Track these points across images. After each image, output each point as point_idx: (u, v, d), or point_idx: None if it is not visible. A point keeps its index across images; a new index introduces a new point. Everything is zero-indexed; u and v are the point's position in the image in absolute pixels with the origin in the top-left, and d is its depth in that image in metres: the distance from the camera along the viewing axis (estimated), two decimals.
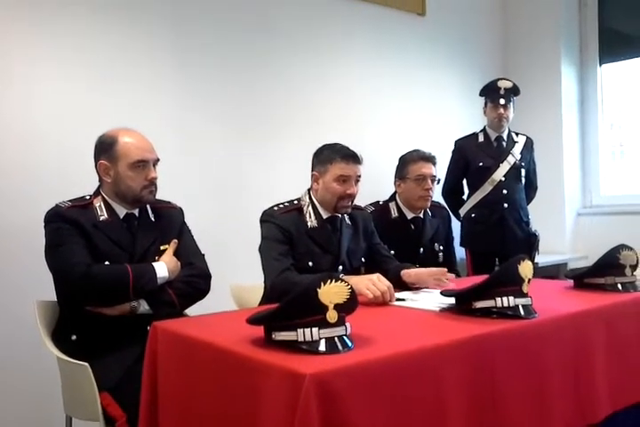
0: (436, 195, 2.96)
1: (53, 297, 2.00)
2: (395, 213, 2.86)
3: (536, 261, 3.46)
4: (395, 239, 2.70)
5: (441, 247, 2.95)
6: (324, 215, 2.31)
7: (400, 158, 2.94)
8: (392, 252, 2.55)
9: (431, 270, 2.23)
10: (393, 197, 2.93)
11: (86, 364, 1.72)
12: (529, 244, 3.41)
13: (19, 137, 2.47)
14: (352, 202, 2.32)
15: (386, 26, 3.79)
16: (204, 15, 3.00)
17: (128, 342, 1.84)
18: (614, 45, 4.29)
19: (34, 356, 2.30)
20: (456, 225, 3.49)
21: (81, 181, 2.17)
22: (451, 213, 3.25)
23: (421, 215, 2.89)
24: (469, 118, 4.08)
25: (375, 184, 2.98)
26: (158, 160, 2.04)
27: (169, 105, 2.88)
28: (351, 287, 1.33)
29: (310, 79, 3.42)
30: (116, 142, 1.96)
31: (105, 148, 1.98)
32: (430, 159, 2.84)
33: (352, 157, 2.26)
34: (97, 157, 2.00)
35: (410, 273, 2.21)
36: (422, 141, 3.47)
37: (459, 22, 4.21)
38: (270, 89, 3.24)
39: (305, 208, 2.30)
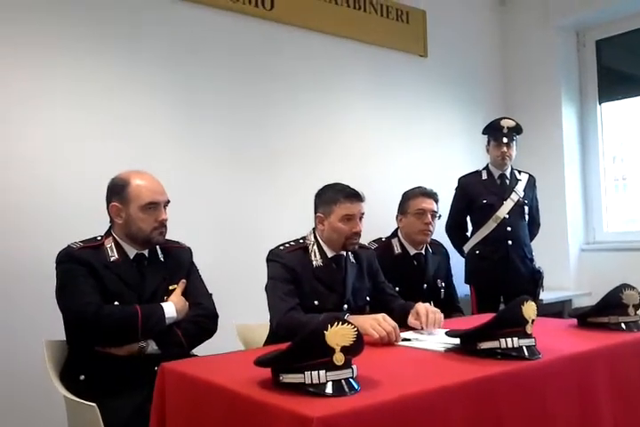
0: (437, 233, 3.00)
1: (62, 337, 2.03)
2: (398, 250, 2.90)
3: (540, 297, 3.47)
4: (398, 276, 2.72)
5: (443, 284, 2.97)
6: (330, 254, 2.34)
7: (403, 194, 3.00)
8: (396, 288, 2.57)
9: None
10: (395, 234, 2.97)
11: (94, 404, 1.73)
12: (533, 281, 3.41)
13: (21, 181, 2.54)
14: (359, 238, 2.36)
15: (388, 67, 3.89)
16: (209, 57, 3.10)
17: (136, 382, 1.85)
18: (613, 85, 4.38)
19: (41, 396, 2.30)
20: (460, 262, 3.52)
21: (89, 221, 2.23)
22: (449, 251, 3.25)
23: (423, 251, 2.93)
24: (472, 157, 4.15)
25: (380, 222, 3.01)
26: (169, 202, 2.09)
27: (175, 146, 2.96)
28: (357, 330, 1.35)
29: (314, 120, 3.50)
30: (128, 185, 2.02)
31: (117, 190, 2.03)
32: (431, 195, 2.90)
33: (355, 196, 2.30)
34: (109, 198, 2.05)
35: (414, 322, 2.12)
36: (426, 179, 3.52)
37: (460, 63, 4.32)
38: (274, 130, 3.32)
39: (310, 247, 2.33)
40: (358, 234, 2.32)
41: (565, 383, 1.62)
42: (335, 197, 2.30)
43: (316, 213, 2.37)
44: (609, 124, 4.40)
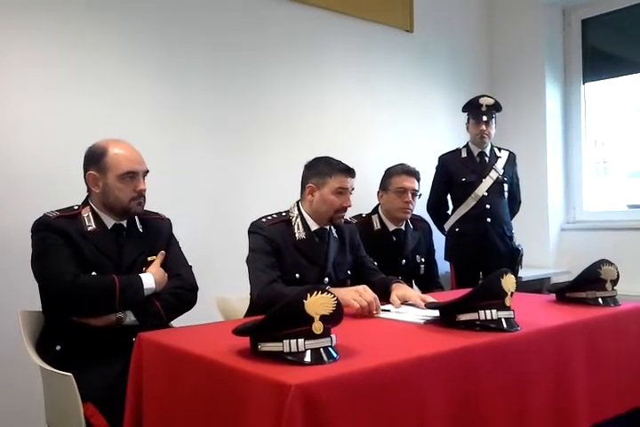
0: (418, 209, 3.00)
1: (37, 307, 2.00)
2: (377, 226, 2.91)
3: (520, 275, 3.50)
4: (377, 251, 2.72)
5: (422, 259, 2.99)
6: (313, 228, 2.33)
7: (385, 171, 3.00)
8: (375, 263, 2.58)
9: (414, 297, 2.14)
10: (375, 210, 2.97)
11: (70, 374, 1.70)
12: (512, 258, 3.43)
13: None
14: (345, 213, 2.37)
15: (373, 41, 3.84)
16: (194, 28, 3.03)
17: (113, 353, 1.83)
18: (598, 64, 4.37)
19: (16, 366, 2.27)
20: (441, 239, 3.53)
21: (67, 191, 2.18)
22: (433, 227, 3.27)
23: (403, 227, 2.93)
24: (455, 133, 4.14)
25: (361, 198, 2.99)
26: (147, 172, 2.05)
27: (158, 117, 2.90)
28: (337, 299, 1.34)
29: (298, 94, 3.45)
30: (105, 153, 1.97)
31: (94, 158, 1.98)
32: (413, 174, 2.90)
33: (349, 171, 2.33)
34: (86, 167, 2.01)
35: (395, 300, 2.11)
36: (408, 156, 3.50)
37: (446, 40, 4.29)
38: (259, 103, 3.27)
39: (293, 220, 2.32)
40: (346, 209, 2.34)
41: (543, 356, 1.64)
42: (330, 169, 2.31)
43: (306, 183, 2.35)
44: (592, 106, 4.40)
